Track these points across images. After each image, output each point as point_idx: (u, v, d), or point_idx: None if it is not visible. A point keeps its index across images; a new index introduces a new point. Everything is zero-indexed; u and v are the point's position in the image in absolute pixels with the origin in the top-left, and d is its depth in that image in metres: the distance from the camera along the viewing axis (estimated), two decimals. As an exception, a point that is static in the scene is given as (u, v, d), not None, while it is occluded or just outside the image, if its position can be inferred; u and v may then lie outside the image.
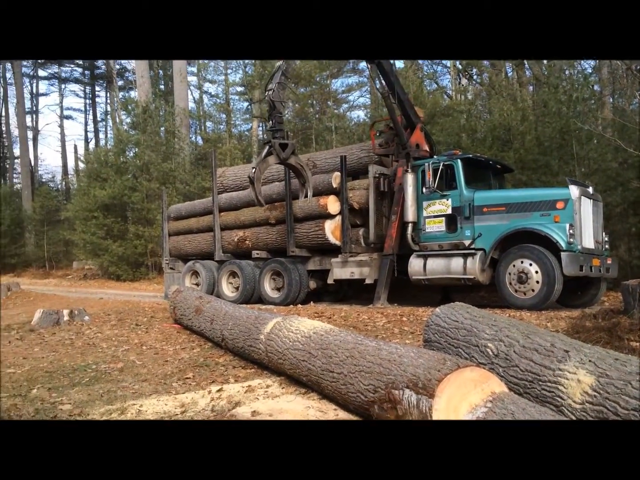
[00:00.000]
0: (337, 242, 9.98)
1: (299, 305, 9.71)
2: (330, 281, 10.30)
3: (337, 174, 10.08)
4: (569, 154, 12.21)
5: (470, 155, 9.19)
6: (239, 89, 29.01)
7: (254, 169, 7.38)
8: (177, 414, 3.90)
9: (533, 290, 7.64)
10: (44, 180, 40.04)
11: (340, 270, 9.92)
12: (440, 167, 8.81)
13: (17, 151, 37.45)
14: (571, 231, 7.57)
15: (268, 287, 10.65)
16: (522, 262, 7.78)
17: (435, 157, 9.49)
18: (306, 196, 9.10)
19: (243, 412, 3.04)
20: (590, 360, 2.94)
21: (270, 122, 8.15)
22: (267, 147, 7.74)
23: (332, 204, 10.05)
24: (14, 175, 39.37)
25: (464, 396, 2.70)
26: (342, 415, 3.13)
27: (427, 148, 9.83)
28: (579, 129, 11.77)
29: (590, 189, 8.28)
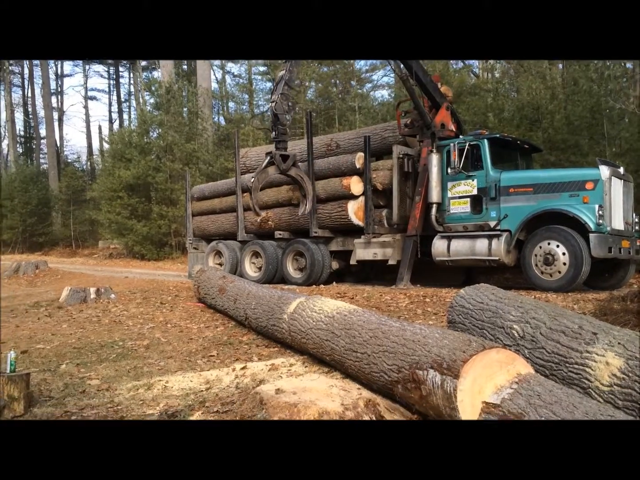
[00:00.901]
0: (360, 223, 9.93)
1: (322, 286, 9.73)
2: (352, 262, 10.28)
3: (361, 154, 9.99)
4: (599, 134, 11.91)
5: (497, 135, 9.01)
6: (262, 68, 28.87)
7: (253, 179, 7.36)
8: (202, 390, 3.96)
9: (560, 272, 7.51)
10: (69, 160, 40.62)
11: (363, 251, 9.89)
12: (466, 147, 8.66)
13: (43, 132, 38.05)
14: (600, 212, 7.41)
15: (291, 268, 10.68)
16: (549, 244, 7.65)
17: (461, 137, 9.33)
18: (306, 209, 9.08)
19: (267, 390, 3.06)
20: (619, 343, 2.88)
21: (273, 133, 8.10)
22: (268, 158, 7.71)
23: (356, 185, 9.99)
24: (41, 155, 40.00)
25: (489, 377, 2.68)
26: (365, 394, 3.13)
27: (453, 127, 9.66)
28: (610, 107, 11.47)
29: (621, 169, 8.07)
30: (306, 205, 8.63)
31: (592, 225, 7.36)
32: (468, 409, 2.61)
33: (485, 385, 2.67)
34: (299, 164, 10.88)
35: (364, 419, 2.83)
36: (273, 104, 8.05)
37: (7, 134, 39.69)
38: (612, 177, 7.66)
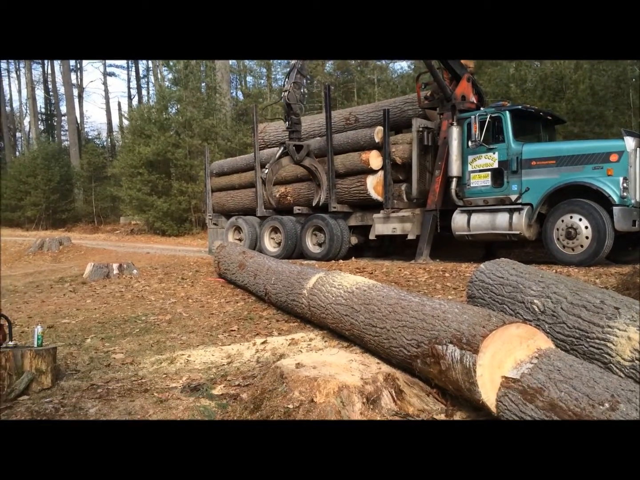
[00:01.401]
0: (379, 198, 9.88)
1: (341, 261, 9.75)
2: (371, 237, 10.26)
3: (380, 128, 9.88)
4: (625, 104, 11.61)
5: (520, 107, 8.82)
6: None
7: (267, 170, 7.25)
8: (223, 364, 4.03)
9: (582, 246, 7.41)
10: (90, 137, 40.91)
11: (382, 226, 9.86)
12: (487, 119, 8.50)
13: (63, 109, 38.23)
14: (625, 185, 7.26)
15: (309, 243, 10.70)
16: (571, 217, 7.53)
17: (482, 109, 9.16)
18: (319, 200, 8.99)
19: (287, 364, 3.10)
20: (642, 318, 2.85)
21: (287, 122, 7.93)
22: (282, 148, 7.58)
23: (374, 159, 9.91)
24: (62, 132, 40.31)
25: (509, 352, 2.68)
26: (385, 368, 3.16)
27: (474, 99, 9.48)
28: (636, 76, 11.12)
29: (647, 141, 7.86)
30: (320, 195, 8.56)
31: (616, 199, 7.22)
32: (487, 384, 2.62)
33: (505, 360, 2.67)
34: (318, 137, 10.83)
35: (383, 393, 2.86)
36: (286, 93, 7.93)
37: (28, 111, 40.12)
38: (638, 148, 7.47)
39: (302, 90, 8.18)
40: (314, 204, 9.58)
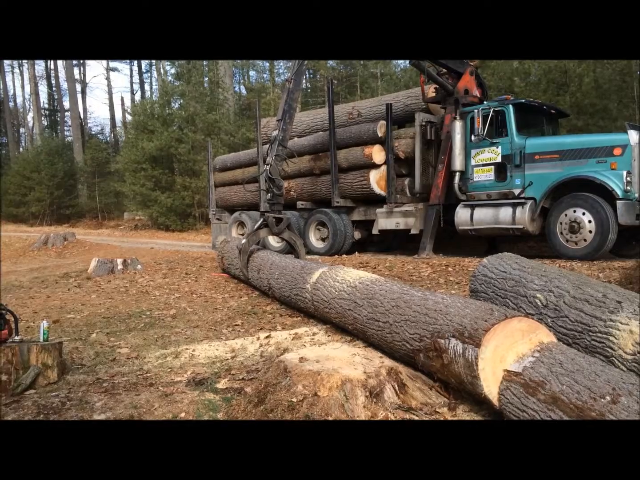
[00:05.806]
0: (382, 193, 9.88)
1: (344, 256, 9.77)
2: (375, 232, 10.27)
3: (383, 122, 9.88)
4: (629, 97, 11.55)
5: (523, 100, 8.80)
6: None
7: (244, 241, 7.31)
8: (227, 359, 4.06)
9: (585, 240, 7.41)
10: (93, 132, 41.03)
11: (385, 221, 9.87)
12: (491, 113, 8.48)
13: (66, 104, 38.31)
14: (628, 179, 7.24)
15: (313, 238, 10.73)
16: (574, 211, 7.53)
17: (485, 102, 9.13)
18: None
19: (291, 358, 3.12)
20: (644, 312, 2.86)
21: (268, 195, 7.99)
22: (261, 220, 7.62)
23: (377, 154, 9.91)
24: (65, 127, 40.39)
25: (511, 346, 2.69)
26: (387, 362, 3.18)
27: (477, 93, 9.45)
28: (641, 69, 11.08)
29: (651, 134, 7.83)
30: None
31: (619, 192, 7.20)
32: (489, 377, 2.64)
33: (507, 353, 2.68)
34: (320, 132, 10.82)
35: (386, 386, 2.88)
36: (268, 167, 7.98)
37: (31, 107, 40.15)
38: (642, 142, 7.44)
39: (283, 163, 8.21)
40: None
